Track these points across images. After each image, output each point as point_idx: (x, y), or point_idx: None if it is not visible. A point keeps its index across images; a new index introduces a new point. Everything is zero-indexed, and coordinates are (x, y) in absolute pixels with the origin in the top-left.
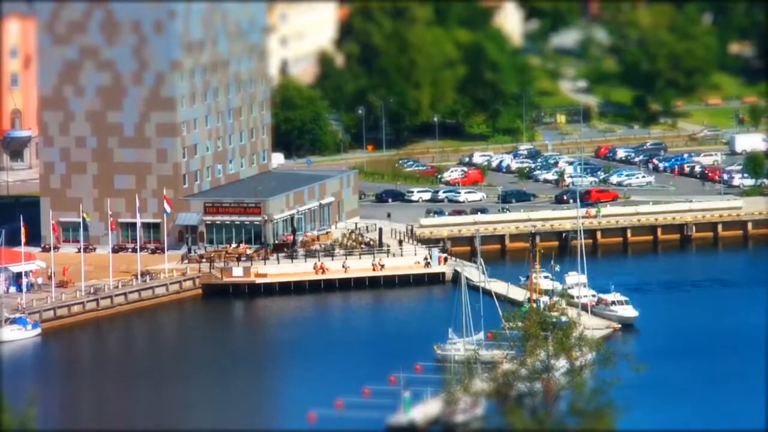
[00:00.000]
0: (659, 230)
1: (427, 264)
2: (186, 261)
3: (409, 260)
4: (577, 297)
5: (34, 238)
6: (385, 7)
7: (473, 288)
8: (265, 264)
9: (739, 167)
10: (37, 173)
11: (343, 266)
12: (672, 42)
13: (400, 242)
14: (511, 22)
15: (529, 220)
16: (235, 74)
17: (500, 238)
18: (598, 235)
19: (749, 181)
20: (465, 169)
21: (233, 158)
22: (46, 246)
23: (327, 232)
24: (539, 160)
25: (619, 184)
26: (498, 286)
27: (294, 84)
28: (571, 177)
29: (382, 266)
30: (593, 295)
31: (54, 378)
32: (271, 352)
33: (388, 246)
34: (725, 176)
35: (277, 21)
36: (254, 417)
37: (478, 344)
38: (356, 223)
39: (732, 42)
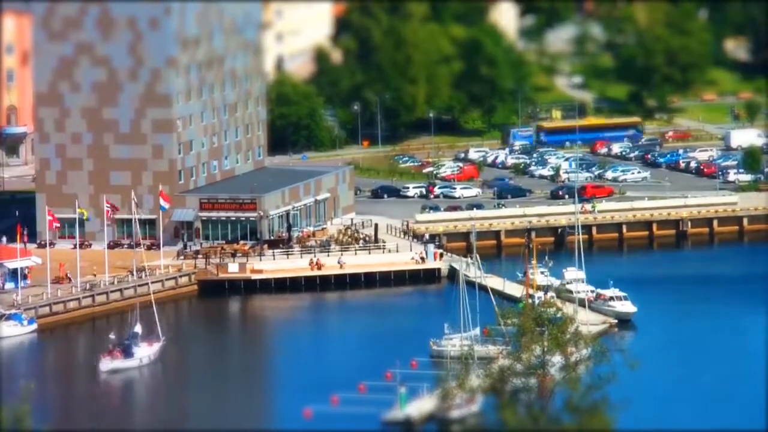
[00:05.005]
0: (654, 226)
1: (422, 260)
2: (182, 257)
3: (404, 256)
4: (576, 292)
5: (30, 235)
6: (382, 3)
7: (469, 284)
8: (260, 260)
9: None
10: (33, 169)
11: (339, 262)
12: (668, 38)
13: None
14: (506, 18)
15: (525, 215)
16: (231, 70)
17: (496, 234)
18: (594, 230)
19: (745, 177)
20: (460, 164)
21: (229, 154)
22: (42, 242)
23: (323, 228)
24: (534, 155)
25: (615, 179)
26: (494, 282)
27: (289, 80)
28: (566, 173)
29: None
30: (591, 291)
31: (49, 374)
32: (267, 348)
33: (384, 242)
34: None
35: (272, 17)
36: (250, 413)
37: (473, 340)
38: (352, 219)
39: (728, 38)
